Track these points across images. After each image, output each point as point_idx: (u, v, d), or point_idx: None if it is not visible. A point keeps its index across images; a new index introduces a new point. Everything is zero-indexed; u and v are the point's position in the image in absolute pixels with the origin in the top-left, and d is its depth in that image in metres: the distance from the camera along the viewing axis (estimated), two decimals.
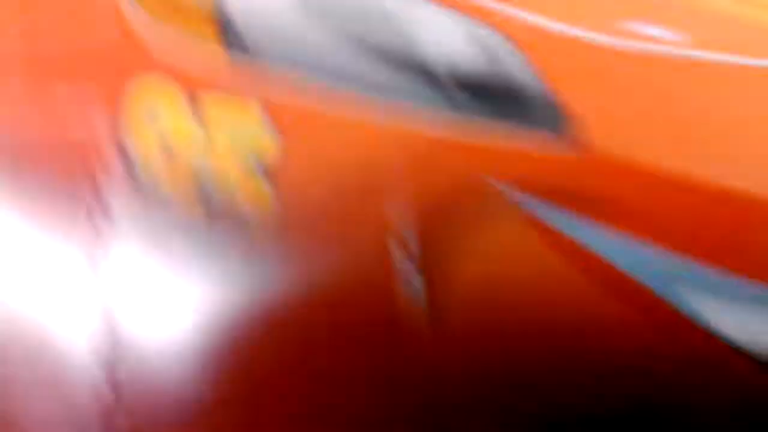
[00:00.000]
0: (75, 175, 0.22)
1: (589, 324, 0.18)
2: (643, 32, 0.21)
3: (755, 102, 0.20)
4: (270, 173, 0.18)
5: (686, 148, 0.18)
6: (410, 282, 0.19)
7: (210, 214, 0.20)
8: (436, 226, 0.18)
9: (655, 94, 0.19)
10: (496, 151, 0.17)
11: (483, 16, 0.17)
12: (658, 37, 0.21)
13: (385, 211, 0.18)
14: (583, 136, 0.18)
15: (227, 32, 0.18)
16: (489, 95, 0.18)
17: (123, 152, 0.20)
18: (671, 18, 0.22)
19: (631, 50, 0.20)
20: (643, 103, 0.19)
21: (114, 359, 0.21)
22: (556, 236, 0.17)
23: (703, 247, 0.17)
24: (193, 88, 0.18)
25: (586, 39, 0.19)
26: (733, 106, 0.20)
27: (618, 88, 0.18)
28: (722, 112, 0.20)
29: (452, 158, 0.17)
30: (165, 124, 0.19)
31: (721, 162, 0.19)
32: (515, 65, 0.18)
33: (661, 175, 0.18)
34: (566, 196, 0.17)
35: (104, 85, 0.18)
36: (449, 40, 0.17)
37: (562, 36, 0.18)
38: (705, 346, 0.18)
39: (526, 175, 0.17)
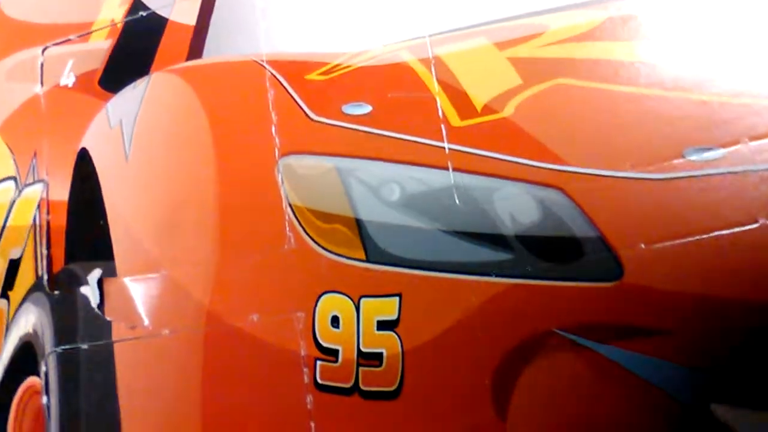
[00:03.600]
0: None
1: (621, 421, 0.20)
2: (695, 158, 0.22)
3: None
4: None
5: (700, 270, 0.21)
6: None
7: None
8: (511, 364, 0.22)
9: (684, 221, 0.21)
10: (555, 298, 0.20)
11: (547, 178, 0.20)
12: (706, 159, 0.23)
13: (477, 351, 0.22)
14: (630, 273, 0.20)
15: (364, 238, 0.22)
16: (550, 249, 0.20)
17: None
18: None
19: (676, 180, 0.22)
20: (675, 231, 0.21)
21: None
22: (597, 358, 0.19)
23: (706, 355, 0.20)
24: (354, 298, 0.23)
25: (633, 178, 0.21)
26: None
27: (656, 220, 0.21)
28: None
29: (524, 308, 0.19)
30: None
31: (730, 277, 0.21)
32: (571, 216, 0.20)
33: (699, 300, 0.20)
34: (610, 330, 0.20)
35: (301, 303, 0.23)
36: (520, 209, 0.20)
37: (610, 181, 0.20)
38: None
39: (579, 317, 0.19)
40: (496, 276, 0.23)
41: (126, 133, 0.29)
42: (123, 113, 0.29)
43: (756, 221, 0.20)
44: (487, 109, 0.25)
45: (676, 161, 0.23)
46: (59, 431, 0.26)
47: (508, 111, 0.24)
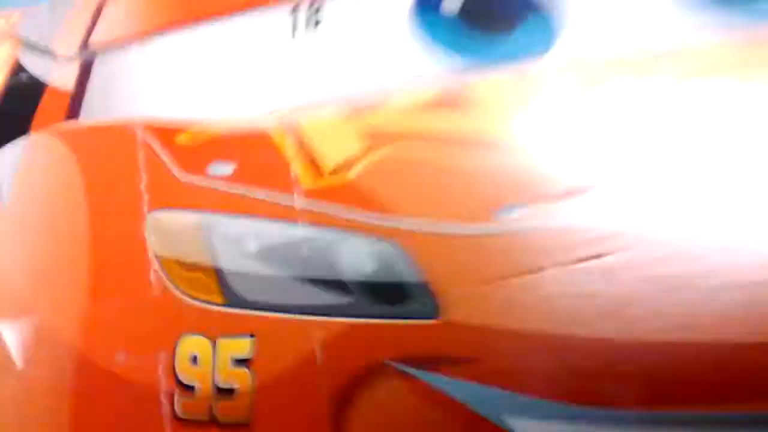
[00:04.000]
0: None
1: None
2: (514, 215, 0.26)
3: None
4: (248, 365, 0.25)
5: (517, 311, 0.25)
6: None
7: None
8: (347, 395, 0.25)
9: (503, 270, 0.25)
10: (385, 335, 0.23)
11: (383, 231, 0.23)
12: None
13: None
14: (448, 312, 0.24)
15: (222, 285, 0.25)
16: (383, 293, 0.23)
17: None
18: None
19: (501, 234, 0.25)
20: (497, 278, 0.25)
21: None
22: (426, 388, 0.22)
23: (522, 383, 0.23)
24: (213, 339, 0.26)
25: (455, 231, 0.24)
26: None
27: (472, 267, 0.24)
28: None
29: (359, 344, 0.23)
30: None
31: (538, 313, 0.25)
32: (402, 264, 0.23)
33: (500, 333, 0.24)
34: (431, 361, 0.23)
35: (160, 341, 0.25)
36: (359, 259, 0.23)
37: (437, 234, 0.24)
38: None
39: (406, 350, 0.23)
40: (337, 316, 0.26)
41: (3, 187, 0.30)
42: (1, 168, 0.30)
43: (543, 269, 0.24)
44: (335, 172, 0.28)
45: (493, 216, 0.26)
46: None
47: (354, 173, 0.28)
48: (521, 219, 0.25)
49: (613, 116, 0.28)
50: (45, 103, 0.28)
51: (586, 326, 0.24)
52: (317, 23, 0.28)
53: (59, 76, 0.28)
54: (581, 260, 0.25)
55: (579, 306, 0.24)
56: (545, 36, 0.27)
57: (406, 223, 0.25)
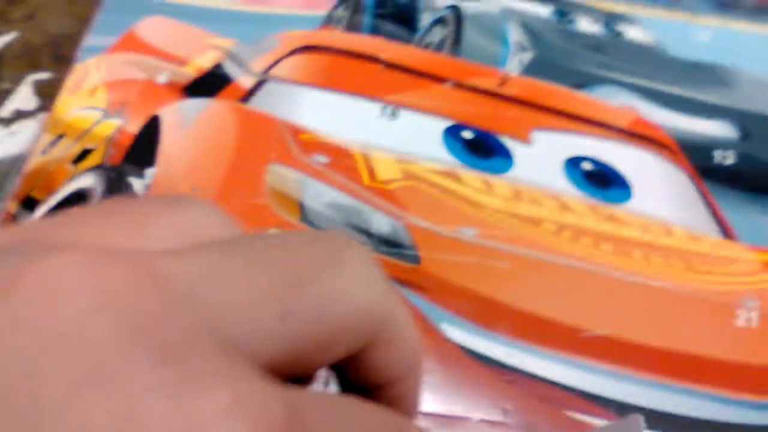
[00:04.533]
0: None
1: None
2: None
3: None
4: None
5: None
6: None
7: None
8: None
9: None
10: (386, 263, 0.39)
11: (400, 219, 0.41)
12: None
13: None
14: (425, 266, 0.40)
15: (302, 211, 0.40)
16: (390, 244, 0.40)
17: None
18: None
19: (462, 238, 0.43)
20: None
21: None
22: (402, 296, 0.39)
23: (458, 311, 0.39)
24: None
25: (443, 233, 0.42)
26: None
27: (446, 249, 0.41)
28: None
29: None
30: None
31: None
32: (405, 238, 0.41)
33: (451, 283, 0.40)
34: (409, 285, 0.39)
35: None
36: (382, 226, 0.38)
37: (431, 230, 0.42)
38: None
39: (395, 276, 0.39)
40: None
41: (187, 116, 0.46)
42: (190, 106, 0.46)
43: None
44: (382, 183, 0.45)
45: (459, 231, 0.44)
46: None
47: (392, 186, 0.45)
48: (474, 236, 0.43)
49: None
50: (227, 90, 0.46)
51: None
52: (394, 114, 0.47)
53: (242, 80, 0.45)
54: None
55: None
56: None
57: (412, 219, 0.42)
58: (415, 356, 0.21)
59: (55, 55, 0.47)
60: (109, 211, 0.16)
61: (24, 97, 0.44)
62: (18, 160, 0.42)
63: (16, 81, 0.45)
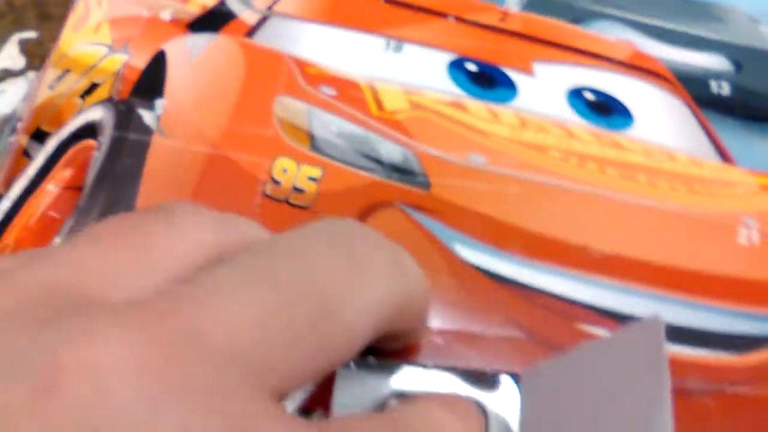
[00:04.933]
0: None
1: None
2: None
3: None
4: None
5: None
6: None
7: None
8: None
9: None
10: (398, 190, 0.39)
11: (409, 147, 0.41)
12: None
13: None
14: (434, 192, 0.41)
15: (311, 141, 0.39)
16: (400, 171, 0.40)
17: None
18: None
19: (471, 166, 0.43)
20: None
21: None
22: (412, 219, 0.39)
23: (471, 232, 0.41)
24: None
25: (452, 160, 0.42)
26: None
27: (456, 176, 0.42)
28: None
29: (382, 188, 0.36)
30: None
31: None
32: (415, 165, 0.41)
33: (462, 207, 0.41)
34: (420, 209, 0.40)
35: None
36: (391, 153, 0.37)
37: (439, 157, 0.42)
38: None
39: (406, 200, 0.39)
40: (373, 174, 0.42)
41: (194, 51, 0.46)
42: (196, 41, 0.46)
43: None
44: (390, 113, 0.45)
45: (468, 157, 0.44)
46: (93, 182, 0.38)
47: (400, 116, 0.45)
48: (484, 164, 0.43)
49: None
50: (230, 26, 0.45)
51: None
52: (399, 48, 0.47)
53: (246, 16, 0.45)
54: None
55: None
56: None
57: (421, 147, 0.43)
58: (424, 313, 0.22)
59: (41, 14, 0.47)
60: (110, 243, 0.16)
61: (10, 56, 0.43)
62: (9, 120, 0.42)
63: (2, 41, 0.44)
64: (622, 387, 0.24)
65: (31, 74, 0.43)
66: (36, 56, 0.43)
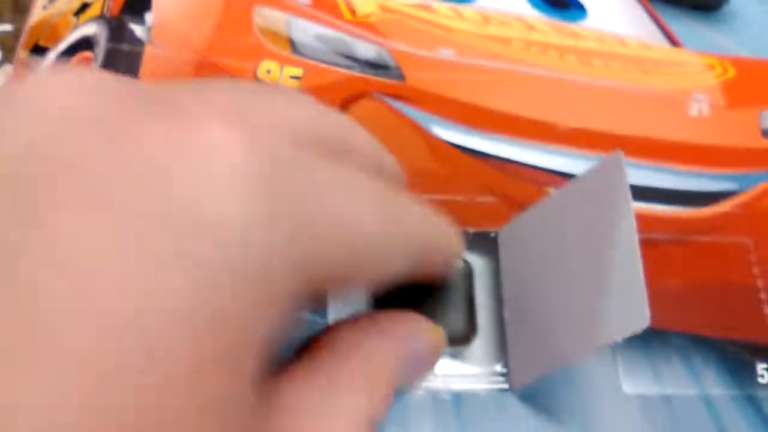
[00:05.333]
0: None
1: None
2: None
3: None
4: None
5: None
6: None
7: None
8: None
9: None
10: (375, 81, 0.42)
11: (383, 46, 0.44)
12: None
13: None
14: (409, 82, 0.44)
15: (292, 44, 0.42)
16: (376, 67, 0.43)
17: None
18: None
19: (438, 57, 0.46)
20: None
21: None
22: (391, 107, 0.42)
23: (446, 114, 0.43)
24: None
25: (420, 54, 0.45)
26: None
27: (428, 67, 0.45)
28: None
29: (358, 82, 0.39)
30: None
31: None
32: (389, 60, 0.44)
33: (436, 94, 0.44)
34: (396, 96, 0.43)
35: None
36: (367, 52, 0.39)
37: (410, 52, 0.45)
38: None
39: (383, 89, 0.42)
40: (349, 70, 0.45)
41: None
42: None
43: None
44: (363, 17, 0.48)
45: (437, 51, 0.47)
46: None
47: (372, 19, 0.48)
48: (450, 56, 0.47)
49: None
50: None
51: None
52: None
53: None
54: None
55: None
56: None
57: (394, 45, 0.46)
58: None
59: (16, 7, 0.48)
60: (234, 85, 0.17)
61: None
62: None
63: None
64: (591, 217, 0.27)
65: (8, 67, 0.44)
66: (12, 49, 0.42)
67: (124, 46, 0.41)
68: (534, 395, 0.30)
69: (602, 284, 0.25)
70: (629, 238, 0.24)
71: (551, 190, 0.39)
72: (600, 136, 0.41)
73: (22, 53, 0.41)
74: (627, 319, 0.24)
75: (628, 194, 0.25)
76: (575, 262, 0.28)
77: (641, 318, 0.22)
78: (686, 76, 0.46)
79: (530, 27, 0.46)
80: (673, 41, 0.48)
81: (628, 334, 0.23)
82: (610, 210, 0.26)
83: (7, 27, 0.47)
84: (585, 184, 0.28)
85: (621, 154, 0.26)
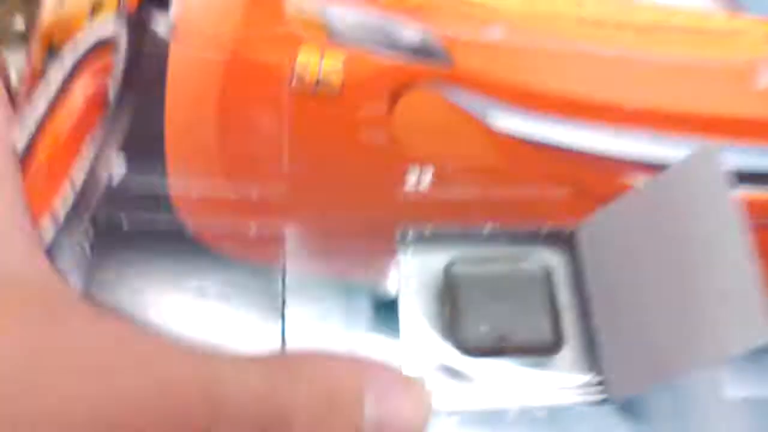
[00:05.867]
0: None
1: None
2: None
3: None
4: None
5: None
6: None
7: None
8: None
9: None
10: (423, 70, 0.38)
11: (429, 32, 0.41)
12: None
13: None
14: (459, 67, 0.41)
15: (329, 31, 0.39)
16: (423, 53, 0.40)
17: None
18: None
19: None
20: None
21: None
22: (441, 96, 0.39)
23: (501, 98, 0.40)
24: None
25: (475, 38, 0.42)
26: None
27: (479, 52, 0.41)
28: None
29: (407, 69, 0.37)
30: None
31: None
32: (437, 47, 0.41)
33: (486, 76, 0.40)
34: (447, 83, 0.40)
35: None
36: (412, 38, 0.37)
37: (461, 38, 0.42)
38: None
39: (433, 79, 0.39)
40: (398, 59, 0.41)
41: None
42: None
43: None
44: (401, 0, 0.45)
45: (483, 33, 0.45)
46: (118, 94, 0.37)
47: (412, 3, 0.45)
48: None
49: None
50: None
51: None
52: None
53: None
54: None
55: None
56: None
57: (437, 29, 0.42)
58: None
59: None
60: None
61: None
62: None
63: None
64: (686, 215, 0.24)
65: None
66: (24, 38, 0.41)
67: (148, 50, 0.37)
68: (630, 404, 0.27)
69: (709, 289, 0.22)
70: (735, 239, 0.21)
71: (624, 180, 0.36)
72: (666, 117, 0.38)
73: (35, 53, 0.38)
74: (743, 331, 0.21)
75: (728, 190, 0.22)
76: (672, 264, 0.24)
77: (760, 329, 0.19)
78: (750, 47, 0.43)
79: (579, 2, 0.43)
80: (734, 5, 0.45)
81: (745, 348, 0.20)
82: (707, 208, 0.23)
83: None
84: (675, 178, 0.25)
85: (715, 147, 0.22)
